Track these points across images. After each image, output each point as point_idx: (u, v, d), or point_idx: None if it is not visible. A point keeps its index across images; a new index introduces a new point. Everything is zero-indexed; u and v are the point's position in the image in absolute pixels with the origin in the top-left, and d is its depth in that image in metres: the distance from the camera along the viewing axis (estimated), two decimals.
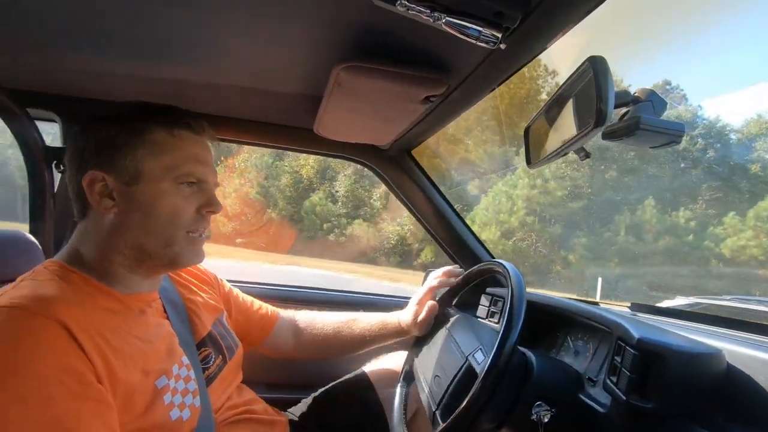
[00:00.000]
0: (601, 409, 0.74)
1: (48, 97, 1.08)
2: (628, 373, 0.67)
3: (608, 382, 0.72)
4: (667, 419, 0.67)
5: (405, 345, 1.33)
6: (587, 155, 0.54)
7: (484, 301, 1.28)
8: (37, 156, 1.09)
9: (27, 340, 0.51)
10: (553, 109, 0.60)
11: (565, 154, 0.56)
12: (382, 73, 0.70)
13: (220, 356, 0.85)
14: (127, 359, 0.61)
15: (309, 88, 0.90)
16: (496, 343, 0.71)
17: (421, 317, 1.06)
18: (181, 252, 0.71)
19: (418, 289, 1.13)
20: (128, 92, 0.99)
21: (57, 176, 1.15)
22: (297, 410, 1.07)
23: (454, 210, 1.33)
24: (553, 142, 0.57)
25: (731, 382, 0.69)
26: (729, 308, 0.85)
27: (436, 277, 1.12)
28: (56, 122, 1.14)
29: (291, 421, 0.98)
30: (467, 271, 1.02)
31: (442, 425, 0.72)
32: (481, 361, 0.77)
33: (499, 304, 1.22)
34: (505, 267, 0.86)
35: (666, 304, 0.99)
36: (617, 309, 1.10)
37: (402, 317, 1.09)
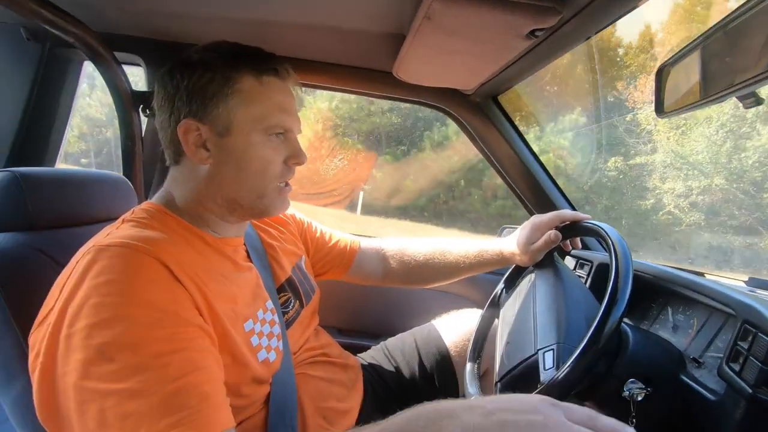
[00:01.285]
0: (710, 396, 0.66)
1: (133, 40, 1.10)
2: (759, 364, 0.58)
3: (726, 368, 0.63)
4: None
5: (476, 303, 1.29)
6: (758, 102, 0.42)
7: (569, 263, 1.19)
8: (125, 100, 1.12)
9: (137, 273, 0.54)
10: (714, 42, 0.47)
11: (723, 100, 0.44)
12: (483, 2, 0.59)
13: (298, 301, 0.87)
14: (221, 298, 0.63)
15: (392, 25, 0.81)
16: (582, 346, 0.62)
17: (536, 245, 0.93)
18: (272, 203, 0.71)
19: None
20: (208, 35, 0.97)
21: (143, 120, 1.20)
22: (368, 356, 1.09)
23: (540, 163, 1.21)
24: (711, 84, 0.45)
25: None
26: None
27: (548, 220, 0.96)
28: (141, 66, 1.16)
29: (362, 365, 0.99)
30: (565, 224, 0.91)
31: None
32: (548, 369, 0.67)
33: (586, 268, 1.12)
34: (605, 231, 0.77)
35: None
36: (731, 283, 0.97)
37: (504, 245, 1.00)
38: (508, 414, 0.42)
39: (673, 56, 0.55)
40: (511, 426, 0.41)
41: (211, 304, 0.60)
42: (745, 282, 0.97)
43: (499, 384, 0.77)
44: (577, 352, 0.63)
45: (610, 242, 0.74)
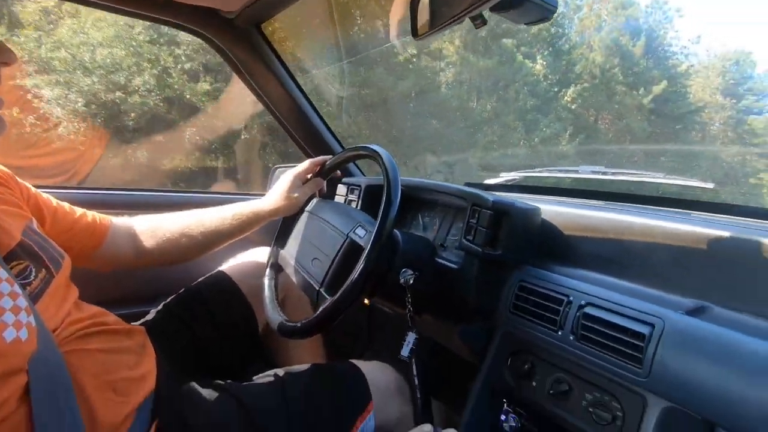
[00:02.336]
0: (454, 266, 0.89)
1: None
2: (485, 230, 0.81)
3: (465, 241, 0.86)
4: (507, 263, 0.85)
5: (260, 243, 1.29)
6: (484, 22, 0.56)
7: (341, 190, 1.31)
8: None
9: None
10: None
11: (461, 21, 0.57)
12: None
13: (44, 269, 0.68)
14: None
15: None
16: (380, 215, 0.75)
17: (301, 192, 1.00)
18: None
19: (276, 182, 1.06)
20: None
21: None
22: (149, 321, 0.96)
23: (307, 98, 1.25)
24: (452, 8, 0.56)
25: (544, 230, 0.90)
26: (539, 178, 1.10)
27: (304, 169, 1.04)
28: None
29: (149, 330, 0.86)
30: (336, 156, 1.00)
31: (332, 298, 0.75)
32: (364, 235, 0.80)
33: (356, 191, 1.27)
34: (374, 149, 0.89)
35: (492, 181, 1.21)
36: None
37: (260, 204, 1.01)
38: None
39: None
40: None
41: None
42: (464, 185, 1.30)
43: (322, 288, 0.81)
44: (369, 245, 0.73)
45: (378, 157, 0.86)
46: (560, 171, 1.01)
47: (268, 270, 1.00)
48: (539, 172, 1.04)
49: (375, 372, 0.90)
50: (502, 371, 0.82)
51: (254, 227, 1.02)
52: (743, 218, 0.78)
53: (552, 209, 0.92)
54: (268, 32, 1.10)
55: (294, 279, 0.94)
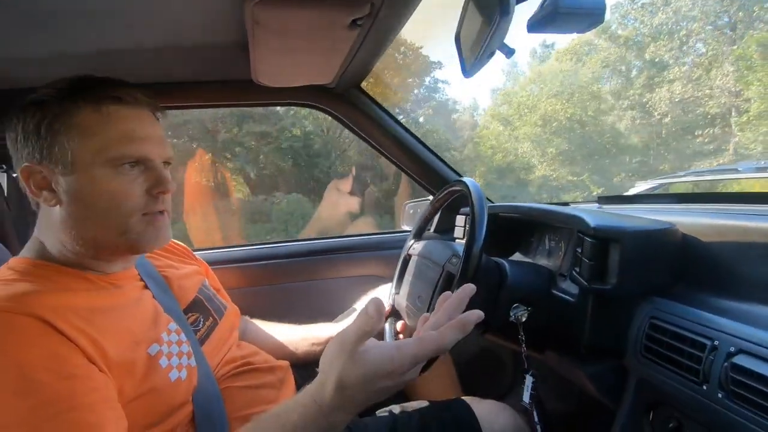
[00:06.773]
0: (571, 299, 0.79)
1: None
2: (588, 261, 0.71)
3: (574, 273, 0.76)
4: (629, 297, 0.71)
5: (388, 279, 1.37)
6: (511, 52, 0.51)
7: (459, 221, 1.30)
8: None
9: (8, 339, 0.52)
10: (470, 5, 0.56)
11: (492, 54, 0.53)
12: (298, 3, 0.65)
13: (210, 318, 0.88)
14: (114, 335, 0.62)
15: (233, 34, 0.84)
16: (466, 239, 0.73)
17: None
18: (140, 237, 0.68)
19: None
20: (55, 74, 0.95)
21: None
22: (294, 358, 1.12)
23: (415, 137, 1.31)
24: (477, 42, 0.54)
25: (688, 252, 0.72)
26: (686, 183, 0.88)
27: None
28: None
29: (293, 365, 1.01)
30: (431, 203, 1.02)
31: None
32: (456, 262, 0.79)
33: None
34: (463, 181, 0.87)
35: (632, 191, 1.02)
36: (586, 206, 1.13)
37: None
38: (382, 381, 0.53)
39: (459, 21, 0.65)
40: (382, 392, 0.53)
41: (100, 343, 0.60)
42: (596, 202, 1.13)
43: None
44: (459, 271, 0.72)
45: (467, 190, 0.84)
46: (711, 173, 0.78)
47: (387, 319, 1.05)
48: (684, 176, 0.82)
49: (491, 413, 0.85)
50: (641, 425, 0.68)
51: None
52: None
53: (697, 222, 0.73)
54: (370, 85, 1.20)
55: (409, 322, 0.97)
